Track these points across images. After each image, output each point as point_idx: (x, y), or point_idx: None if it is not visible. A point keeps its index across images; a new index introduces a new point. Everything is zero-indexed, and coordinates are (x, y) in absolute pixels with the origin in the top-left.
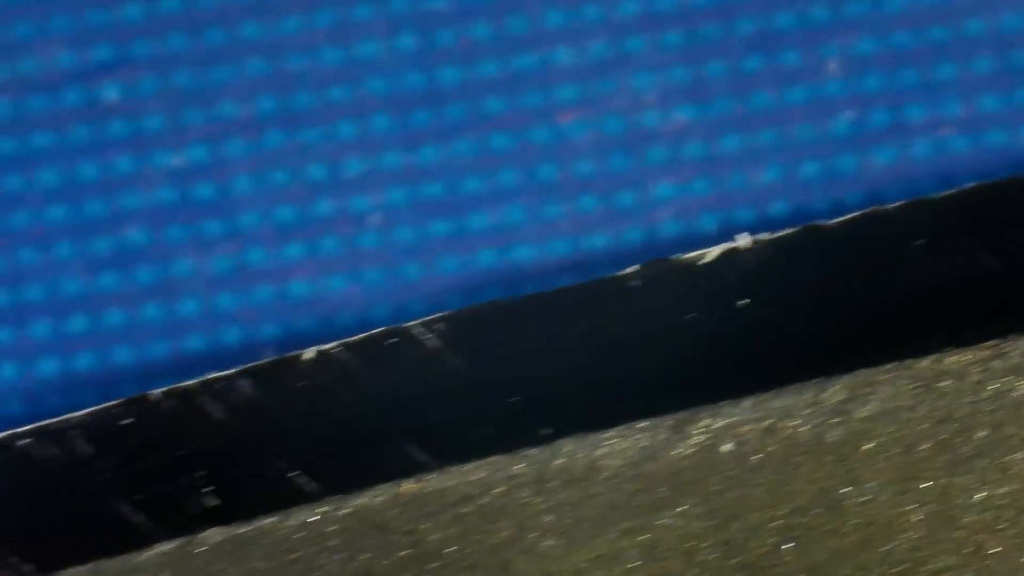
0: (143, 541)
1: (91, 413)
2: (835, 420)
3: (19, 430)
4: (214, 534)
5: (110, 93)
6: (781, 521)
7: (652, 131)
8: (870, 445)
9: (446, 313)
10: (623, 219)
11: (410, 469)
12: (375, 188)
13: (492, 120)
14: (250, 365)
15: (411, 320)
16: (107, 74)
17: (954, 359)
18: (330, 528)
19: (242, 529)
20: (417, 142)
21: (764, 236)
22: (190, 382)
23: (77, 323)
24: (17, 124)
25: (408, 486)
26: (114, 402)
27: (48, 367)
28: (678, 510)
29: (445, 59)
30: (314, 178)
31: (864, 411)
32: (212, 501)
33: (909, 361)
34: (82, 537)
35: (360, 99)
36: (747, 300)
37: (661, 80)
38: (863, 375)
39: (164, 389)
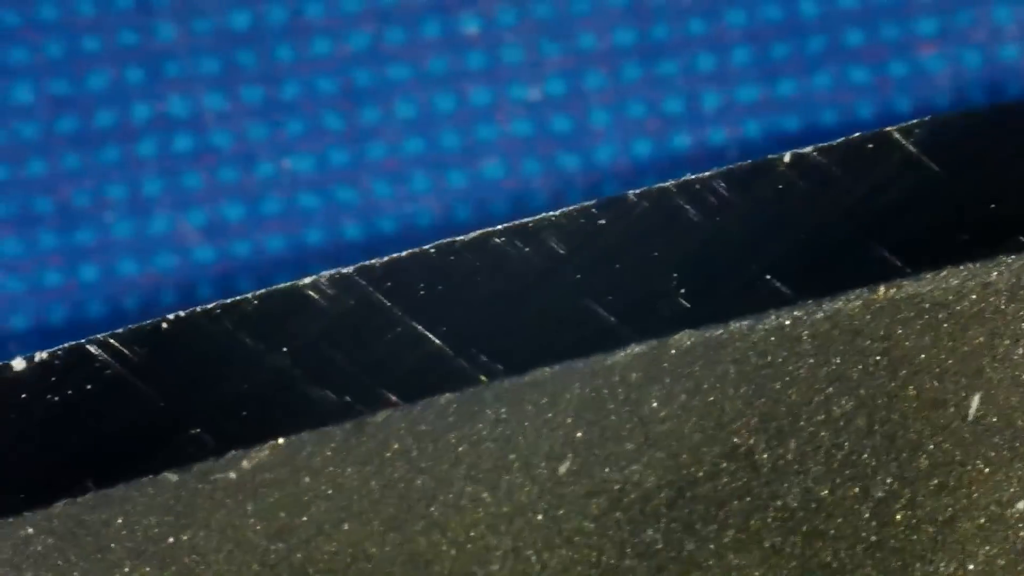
0: (614, 342)
1: (566, 213)
2: None
3: (494, 228)
4: (686, 337)
5: (469, 25)
6: None
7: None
8: None
9: (927, 118)
10: None
11: (885, 275)
12: (731, 122)
13: (849, 53)
14: (726, 167)
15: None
16: (466, 6)
17: None
18: (802, 333)
19: (714, 332)
20: (775, 74)
21: None
22: (667, 183)
23: None
24: (375, 56)
25: (882, 292)
26: (590, 202)
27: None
28: None
29: None
30: (671, 112)
31: None
32: (685, 304)
33: None
34: (553, 337)
35: (718, 32)
36: None
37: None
38: None
39: (639, 190)
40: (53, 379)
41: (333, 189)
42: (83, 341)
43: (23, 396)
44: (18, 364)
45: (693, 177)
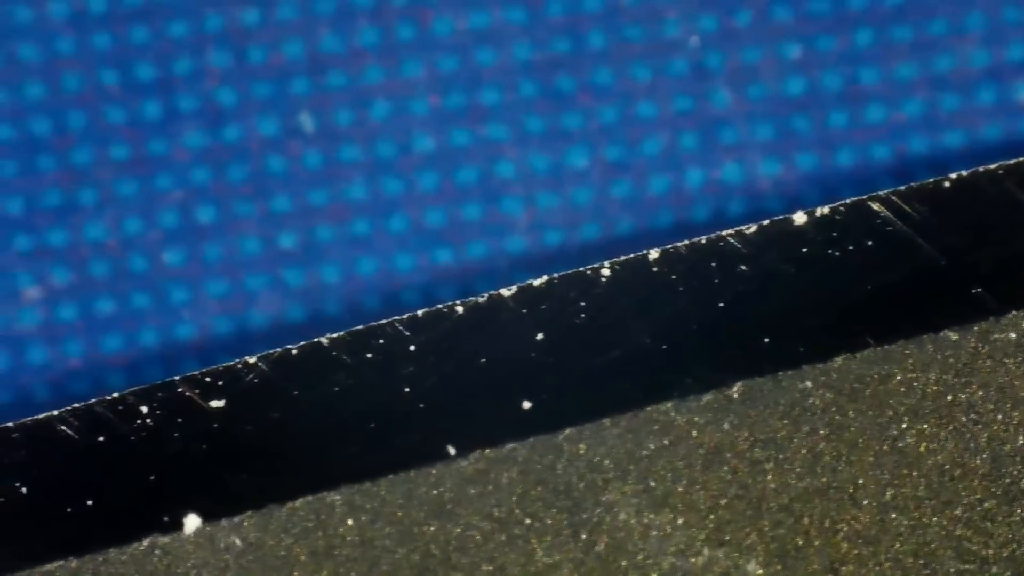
0: None
1: None
2: None
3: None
4: None
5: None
6: None
7: None
8: None
9: None
10: None
11: None
12: None
13: None
14: None
15: None
16: (1020, 75)
17: None
18: None
19: None
20: None
21: None
22: None
23: None
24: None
25: None
26: None
27: None
28: None
29: None
30: None
31: None
32: None
33: None
34: None
35: None
36: None
37: None
38: None
39: None
40: (834, 234)
41: None
42: (866, 197)
43: (804, 250)
44: (799, 218)
45: None
